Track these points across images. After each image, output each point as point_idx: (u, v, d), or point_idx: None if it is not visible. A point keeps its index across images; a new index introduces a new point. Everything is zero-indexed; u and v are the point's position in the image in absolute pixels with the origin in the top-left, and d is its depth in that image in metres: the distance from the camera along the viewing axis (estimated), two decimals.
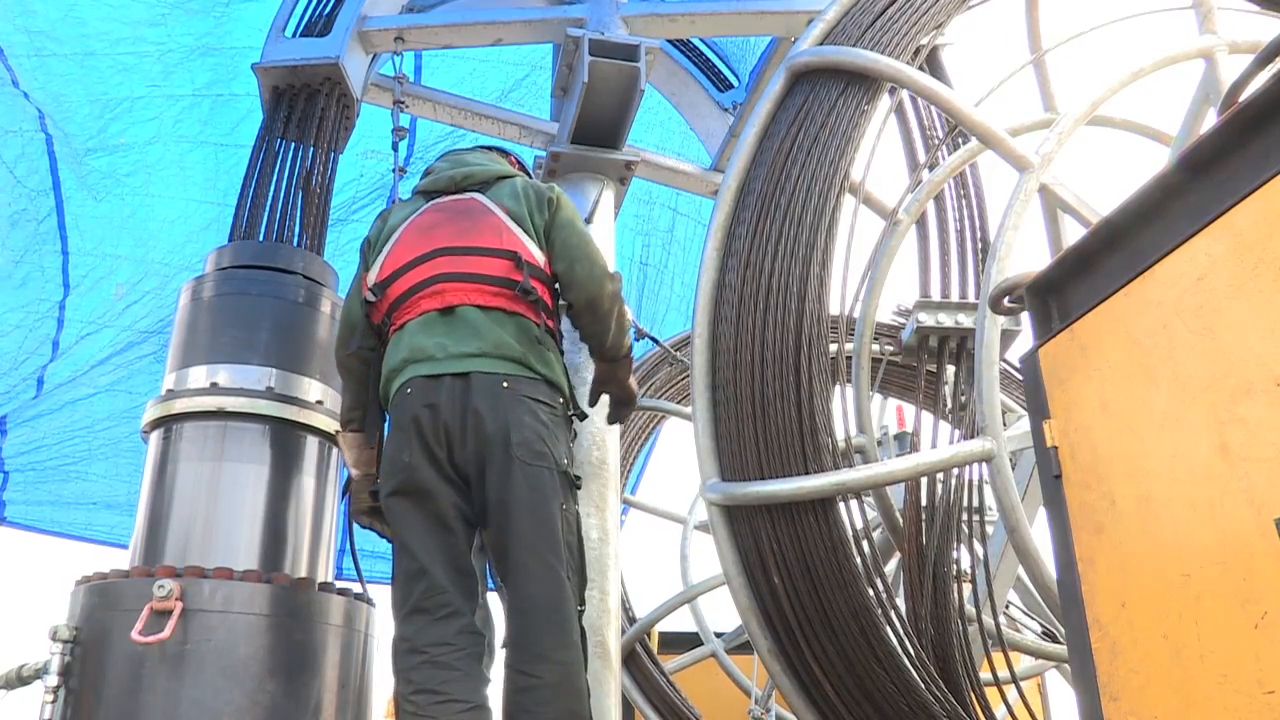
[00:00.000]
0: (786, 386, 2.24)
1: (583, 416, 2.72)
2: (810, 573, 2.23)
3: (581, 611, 2.44)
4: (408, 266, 2.64)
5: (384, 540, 2.78)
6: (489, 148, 3.11)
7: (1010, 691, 3.25)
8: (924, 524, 2.53)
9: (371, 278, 2.70)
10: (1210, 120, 2.77)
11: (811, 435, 2.22)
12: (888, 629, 2.27)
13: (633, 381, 2.84)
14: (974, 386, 2.36)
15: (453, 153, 2.99)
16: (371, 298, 2.68)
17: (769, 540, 2.27)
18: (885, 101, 2.58)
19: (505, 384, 2.46)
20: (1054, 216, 2.93)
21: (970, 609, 2.65)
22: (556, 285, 2.68)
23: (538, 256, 2.62)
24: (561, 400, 2.56)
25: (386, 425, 2.63)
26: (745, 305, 2.34)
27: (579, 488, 2.56)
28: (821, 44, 2.63)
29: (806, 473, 2.21)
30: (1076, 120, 2.44)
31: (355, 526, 3.08)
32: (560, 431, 2.52)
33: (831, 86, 2.51)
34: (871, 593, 2.26)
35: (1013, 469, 2.49)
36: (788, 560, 2.25)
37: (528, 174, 3.10)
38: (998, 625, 2.76)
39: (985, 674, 3.33)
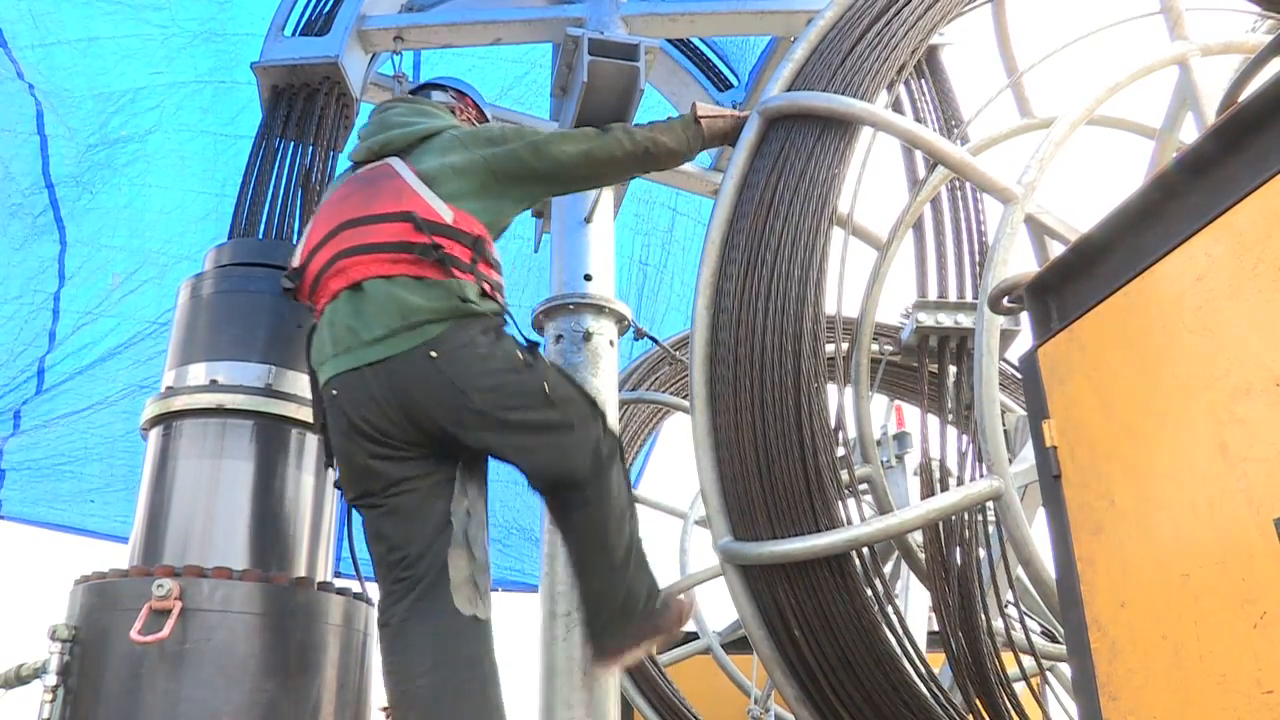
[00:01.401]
0: (790, 445, 2.23)
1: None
2: (830, 625, 2.24)
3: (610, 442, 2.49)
4: (318, 247, 2.56)
5: None
6: (431, 84, 3.10)
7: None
8: (942, 556, 2.51)
9: (294, 260, 2.64)
10: (1188, 124, 2.79)
11: (819, 492, 2.21)
12: (912, 673, 2.28)
13: (718, 121, 2.79)
14: (974, 391, 2.36)
15: (381, 112, 2.86)
16: (288, 284, 2.62)
17: (786, 596, 2.27)
18: (868, 131, 2.55)
19: (433, 353, 2.34)
20: (1042, 242, 2.92)
21: (994, 622, 2.63)
22: (479, 237, 2.53)
23: (443, 213, 2.46)
24: (482, 313, 2.43)
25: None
26: (741, 365, 2.32)
27: (534, 351, 2.50)
28: (793, 85, 2.59)
29: (817, 529, 2.20)
30: (1057, 144, 2.44)
31: (353, 527, 3.07)
32: (499, 337, 2.45)
33: (807, 132, 2.47)
34: (892, 637, 2.28)
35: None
36: (806, 614, 2.25)
37: (481, 113, 3.12)
38: (1028, 637, 2.76)
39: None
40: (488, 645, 2.38)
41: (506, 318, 2.54)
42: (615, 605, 2.44)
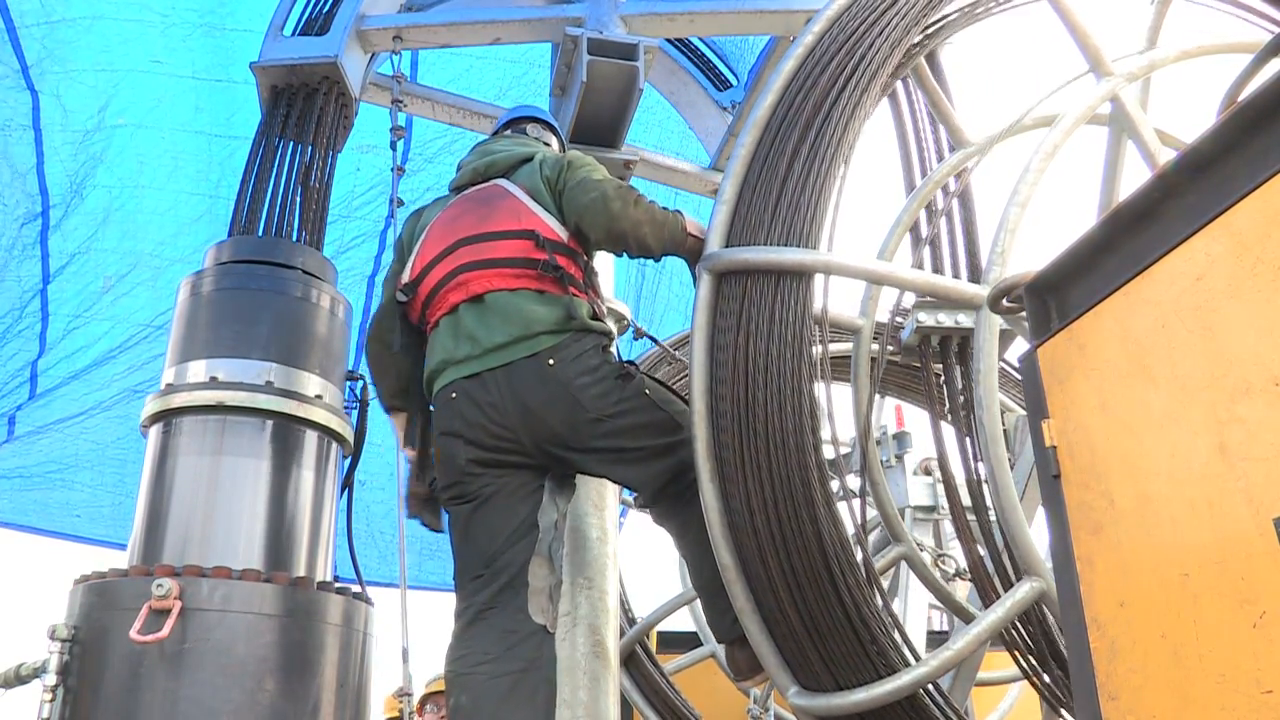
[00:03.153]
0: (830, 604, 2.23)
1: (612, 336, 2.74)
2: None
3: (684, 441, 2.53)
4: (434, 262, 2.67)
5: (430, 530, 2.92)
6: (525, 119, 3.16)
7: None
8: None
9: (405, 277, 2.74)
10: (1130, 150, 2.82)
11: (871, 643, 2.23)
12: None
13: (701, 244, 2.66)
14: (973, 391, 2.36)
15: (483, 143, 3.04)
16: (403, 297, 2.72)
17: None
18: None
19: (551, 361, 2.47)
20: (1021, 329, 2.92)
21: None
22: (589, 260, 2.69)
23: (559, 232, 2.61)
24: (596, 331, 2.58)
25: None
26: (761, 535, 2.29)
27: (634, 366, 2.61)
28: (730, 228, 2.49)
29: (877, 676, 2.23)
30: (1012, 231, 2.46)
31: (352, 525, 3.08)
32: (605, 353, 2.58)
33: (763, 285, 2.38)
34: None
35: (1012, 468, 2.50)
36: None
37: (560, 139, 3.18)
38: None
39: (983, 672, 3.35)
40: (550, 655, 2.49)
41: (613, 340, 2.67)
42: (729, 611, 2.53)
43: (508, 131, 3.13)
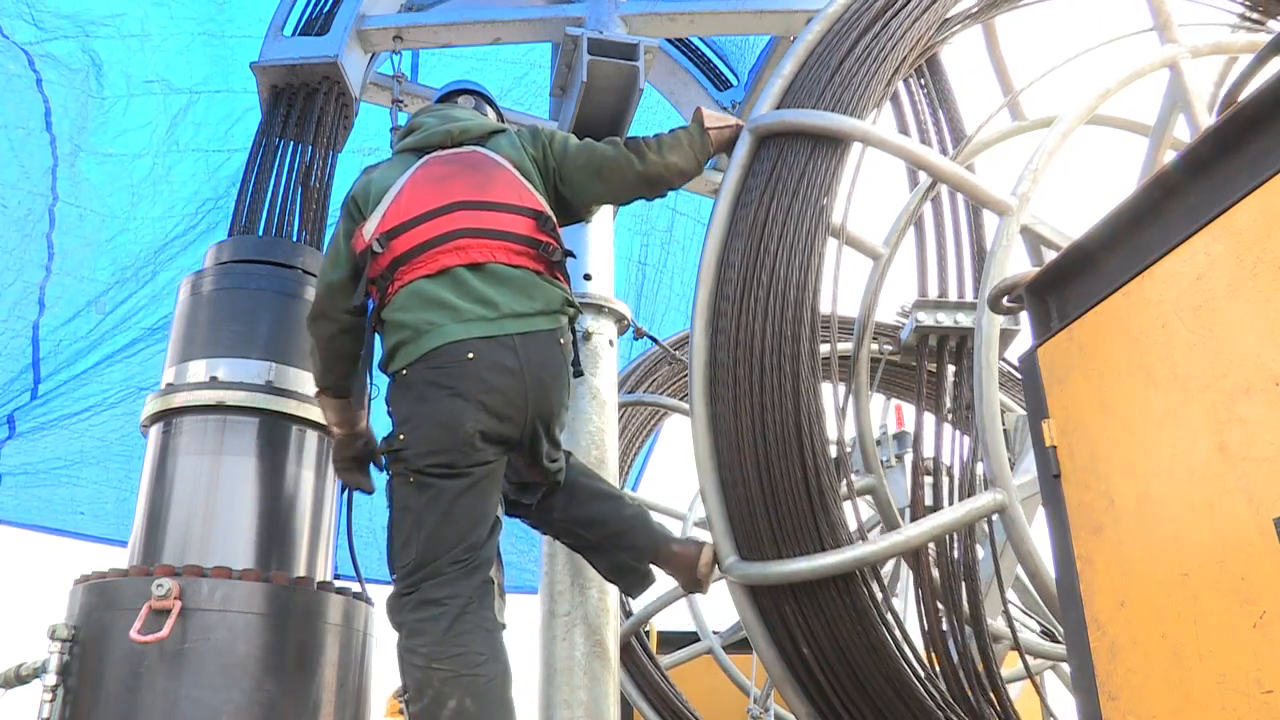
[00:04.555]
0: (792, 466, 2.23)
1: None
2: (838, 643, 2.25)
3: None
4: (421, 219, 2.53)
5: (363, 492, 2.86)
6: (465, 91, 3.08)
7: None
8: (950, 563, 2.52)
9: (370, 229, 2.57)
10: (1180, 126, 2.81)
11: (823, 512, 2.22)
12: (920, 690, 2.27)
13: (725, 131, 2.72)
14: (974, 403, 2.36)
15: (436, 108, 2.91)
16: (378, 248, 2.54)
17: (793, 615, 2.28)
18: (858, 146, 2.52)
19: (562, 340, 2.51)
20: (1038, 251, 2.92)
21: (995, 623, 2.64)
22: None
23: (552, 216, 2.63)
24: (574, 323, 2.65)
25: (383, 388, 2.57)
26: (740, 386, 2.31)
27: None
28: (782, 100, 2.57)
29: (822, 549, 2.21)
30: (1050, 153, 2.46)
31: (352, 526, 3.07)
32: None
33: (799, 149, 2.44)
34: (899, 654, 2.28)
35: (1012, 468, 2.50)
36: (814, 632, 2.26)
37: (497, 110, 3.14)
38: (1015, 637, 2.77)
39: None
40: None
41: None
42: (651, 525, 2.68)
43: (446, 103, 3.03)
